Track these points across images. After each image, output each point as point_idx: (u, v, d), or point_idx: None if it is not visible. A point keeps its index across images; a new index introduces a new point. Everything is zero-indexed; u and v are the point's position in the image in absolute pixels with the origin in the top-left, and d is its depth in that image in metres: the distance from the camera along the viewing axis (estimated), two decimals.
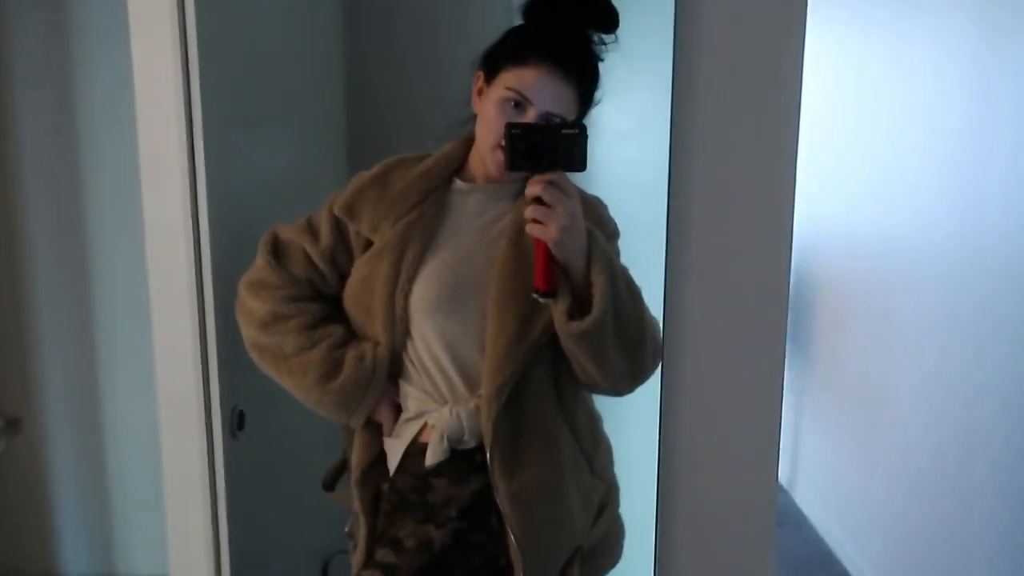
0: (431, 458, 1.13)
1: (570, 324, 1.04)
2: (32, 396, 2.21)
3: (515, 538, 1.10)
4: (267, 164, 1.54)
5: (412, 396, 1.17)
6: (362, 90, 1.92)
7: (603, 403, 1.23)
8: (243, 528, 1.42)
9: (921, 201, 2.51)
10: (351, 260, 1.19)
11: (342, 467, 1.29)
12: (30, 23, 2.00)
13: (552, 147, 1.01)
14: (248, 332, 1.20)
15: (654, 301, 1.16)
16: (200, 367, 1.32)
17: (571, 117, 1.09)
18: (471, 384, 1.14)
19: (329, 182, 1.23)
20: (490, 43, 1.13)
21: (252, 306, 1.19)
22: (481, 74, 1.13)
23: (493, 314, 1.09)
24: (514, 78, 1.07)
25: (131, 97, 1.28)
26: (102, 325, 2.20)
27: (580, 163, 1.02)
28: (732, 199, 1.32)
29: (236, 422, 1.38)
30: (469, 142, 1.18)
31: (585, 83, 1.10)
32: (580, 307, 1.06)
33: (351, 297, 1.18)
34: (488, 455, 1.10)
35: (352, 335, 1.19)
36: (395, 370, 1.17)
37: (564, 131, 1.02)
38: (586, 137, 1.02)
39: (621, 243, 1.19)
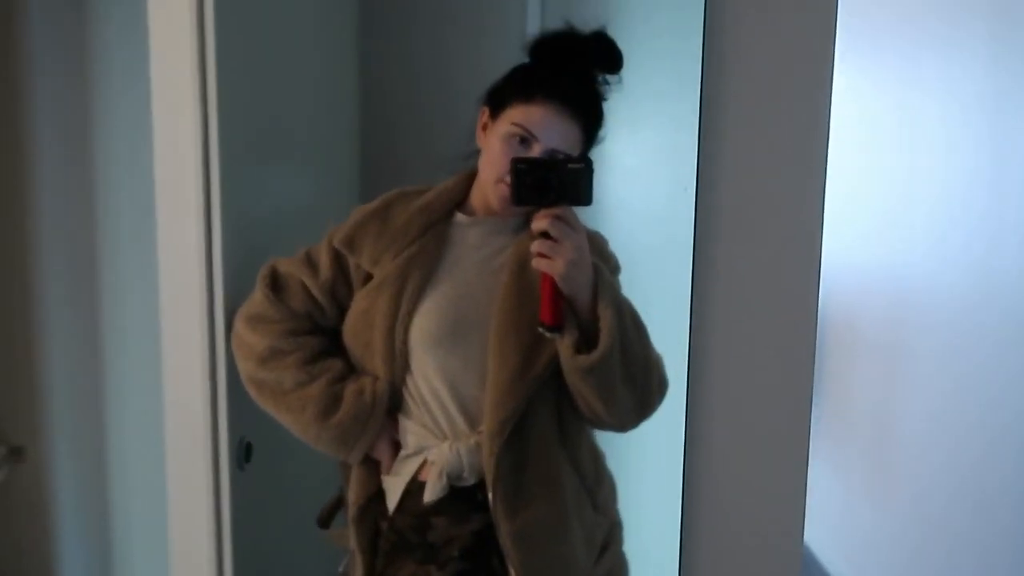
0: (429, 495, 1.11)
1: (577, 358, 1.04)
2: (37, 424, 2.21)
3: None
4: (281, 194, 1.55)
5: (411, 431, 1.16)
6: (375, 121, 1.95)
7: (614, 442, 1.22)
8: (247, 560, 1.41)
9: (934, 236, 2.50)
10: (351, 293, 1.19)
11: (338, 504, 1.28)
12: (51, 61, 2.04)
13: (559, 181, 1.02)
14: (246, 367, 1.20)
15: (659, 335, 1.15)
16: (209, 398, 1.32)
17: (575, 155, 1.09)
18: (471, 420, 1.13)
19: (342, 213, 1.23)
20: (496, 79, 1.14)
21: (250, 340, 1.19)
22: (486, 109, 1.14)
23: (495, 348, 1.09)
24: (521, 114, 1.08)
25: (148, 130, 1.29)
26: (110, 355, 2.20)
27: (586, 197, 1.02)
28: (759, 230, 1.30)
29: (243, 454, 1.38)
30: (471, 176, 1.19)
31: (590, 122, 1.12)
32: (587, 341, 1.05)
33: (350, 331, 1.18)
34: (490, 493, 1.09)
35: (351, 369, 1.18)
36: (394, 405, 1.16)
37: (570, 165, 1.03)
38: (592, 171, 1.02)
39: (623, 278, 1.18)
